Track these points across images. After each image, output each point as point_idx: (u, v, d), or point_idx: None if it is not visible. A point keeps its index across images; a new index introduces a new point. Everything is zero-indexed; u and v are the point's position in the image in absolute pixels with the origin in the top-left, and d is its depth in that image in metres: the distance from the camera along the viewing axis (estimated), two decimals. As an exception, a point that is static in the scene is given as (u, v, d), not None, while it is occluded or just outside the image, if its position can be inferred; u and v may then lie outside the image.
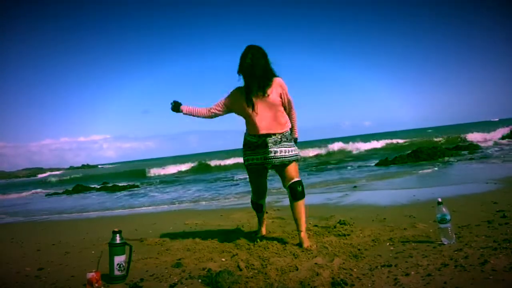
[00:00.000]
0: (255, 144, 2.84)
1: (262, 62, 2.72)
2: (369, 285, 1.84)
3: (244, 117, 2.87)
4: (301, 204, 2.80)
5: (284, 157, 2.81)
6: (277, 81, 2.77)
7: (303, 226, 2.78)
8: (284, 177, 2.86)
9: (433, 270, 1.88)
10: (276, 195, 6.56)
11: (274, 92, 2.75)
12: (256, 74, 2.70)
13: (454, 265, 1.90)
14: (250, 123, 2.83)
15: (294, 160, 2.85)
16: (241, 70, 2.75)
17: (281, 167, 2.85)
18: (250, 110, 2.76)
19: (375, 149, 18.34)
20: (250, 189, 3.21)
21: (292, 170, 2.84)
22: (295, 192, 2.78)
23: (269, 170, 3.04)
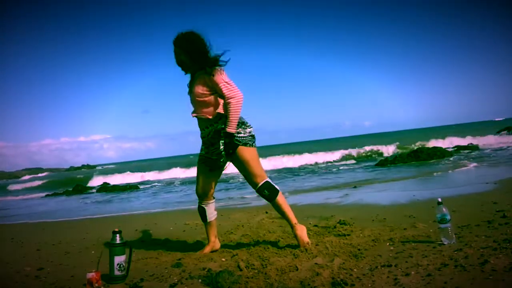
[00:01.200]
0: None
1: (181, 58, 2.60)
2: (369, 285, 1.84)
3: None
4: (277, 202, 2.68)
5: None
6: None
7: (292, 221, 2.67)
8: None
9: (433, 270, 1.88)
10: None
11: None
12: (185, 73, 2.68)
13: (454, 265, 1.90)
14: None
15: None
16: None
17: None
18: None
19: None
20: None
21: (256, 163, 2.66)
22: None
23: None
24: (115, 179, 16.52)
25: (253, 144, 2.67)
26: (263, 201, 6.15)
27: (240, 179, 10.26)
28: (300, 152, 18.47)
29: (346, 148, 17.66)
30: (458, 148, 13.25)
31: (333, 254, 2.43)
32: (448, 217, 2.33)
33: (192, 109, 2.72)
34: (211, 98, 2.59)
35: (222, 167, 2.72)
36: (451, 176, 7.08)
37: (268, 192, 2.66)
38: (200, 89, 2.57)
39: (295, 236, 2.68)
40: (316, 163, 15.29)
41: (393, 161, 11.07)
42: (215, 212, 2.94)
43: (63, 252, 3.30)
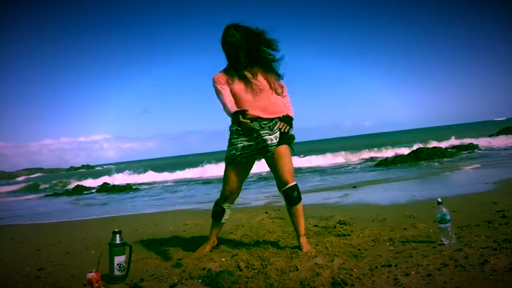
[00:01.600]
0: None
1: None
2: (369, 285, 1.84)
3: None
4: (298, 208, 2.65)
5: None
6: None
7: (301, 230, 2.66)
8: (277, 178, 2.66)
9: (433, 270, 1.88)
10: (276, 194, 6.56)
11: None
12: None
13: (454, 265, 1.90)
14: None
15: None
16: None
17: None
18: None
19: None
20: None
21: (288, 165, 2.63)
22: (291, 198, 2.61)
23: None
24: (115, 179, 16.17)
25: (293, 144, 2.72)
26: (263, 201, 6.12)
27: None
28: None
29: (355, 149, 16.91)
30: (458, 148, 13.24)
31: (333, 254, 2.43)
32: (448, 217, 2.33)
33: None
34: None
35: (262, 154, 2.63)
36: (451, 176, 7.08)
37: (297, 194, 2.61)
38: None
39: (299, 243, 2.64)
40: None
41: (393, 161, 11.07)
42: (229, 215, 2.86)
43: (63, 252, 3.30)
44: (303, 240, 2.64)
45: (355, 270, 2.07)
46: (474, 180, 6.11)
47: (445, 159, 10.40)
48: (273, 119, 2.62)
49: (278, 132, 2.61)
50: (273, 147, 2.58)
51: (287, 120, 2.64)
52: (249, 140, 2.59)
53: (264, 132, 2.57)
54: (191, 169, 16.93)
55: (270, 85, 2.64)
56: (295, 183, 2.63)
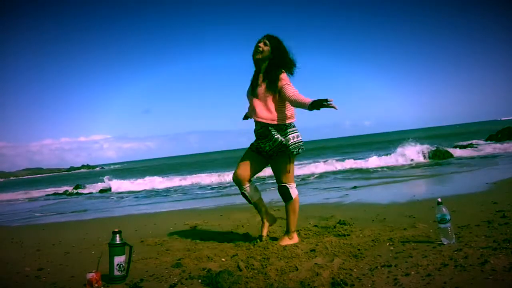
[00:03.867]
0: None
1: (264, 50, 2.86)
2: (369, 285, 1.84)
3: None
4: (288, 207, 2.89)
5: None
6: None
7: (290, 227, 2.89)
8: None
9: (433, 270, 1.88)
10: (276, 194, 6.55)
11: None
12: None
13: (454, 265, 1.90)
14: None
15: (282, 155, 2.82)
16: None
17: (271, 162, 2.92)
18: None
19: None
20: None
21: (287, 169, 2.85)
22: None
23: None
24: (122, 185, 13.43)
25: (296, 153, 2.82)
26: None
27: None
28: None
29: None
30: (458, 147, 13.22)
31: (333, 254, 2.43)
32: (448, 217, 2.33)
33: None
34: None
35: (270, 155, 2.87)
36: (451, 176, 7.08)
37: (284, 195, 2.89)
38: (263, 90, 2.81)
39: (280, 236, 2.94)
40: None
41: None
42: (258, 193, 3.07)
43: (63, 252, 3.29)
44: (286, 236, 2.88)
45: (355, 270, 2.07)
46: (474, 180, 6.11)
47: (445, 159, 10.41)
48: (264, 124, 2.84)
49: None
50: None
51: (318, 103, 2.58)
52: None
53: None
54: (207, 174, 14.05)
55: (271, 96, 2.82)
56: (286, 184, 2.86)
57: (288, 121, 2.82)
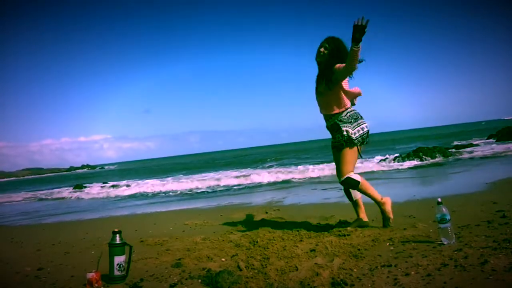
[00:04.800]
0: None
1: (326, 52, 3.08)
2: (369, 285, 1.84)
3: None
4: (360, 190, 3.09)
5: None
6: None
7: (377, 199, 3.07)
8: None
9: (433, 270, 1.88)
10: (276, 194, 6.55)
11: None
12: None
13: (454, 265, 1.90)
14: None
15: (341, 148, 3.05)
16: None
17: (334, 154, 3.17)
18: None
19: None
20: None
21: (341, 162, 3.08)
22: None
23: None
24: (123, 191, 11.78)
25: (358, 143, 3.05)
26: (263, 201, 6.13)
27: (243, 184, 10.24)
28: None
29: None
30: (459, 147, 13.22)
31: (333, 254, 2.43)
32: (448, 217, 2.33)
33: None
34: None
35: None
36: (451, 176, 7.08)
37: (353, 181, 3.07)
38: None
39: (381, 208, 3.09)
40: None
41: (393, 160, 11.07)
42: (358, 193, 3.24)
43: (63, 252, 3.30)
44: (385, 206, 3.06)
45: (355, 270, 2.07)
46: (474, 180, 6.10)
47: (445, 159, 10.40)
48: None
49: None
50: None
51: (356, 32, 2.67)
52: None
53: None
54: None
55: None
56: (346, 177, 3.06)
57: (349, 113, 3.06)
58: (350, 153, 3.05)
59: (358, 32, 2.60)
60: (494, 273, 1.73)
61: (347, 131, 3.01)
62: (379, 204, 3.07)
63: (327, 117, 3.16)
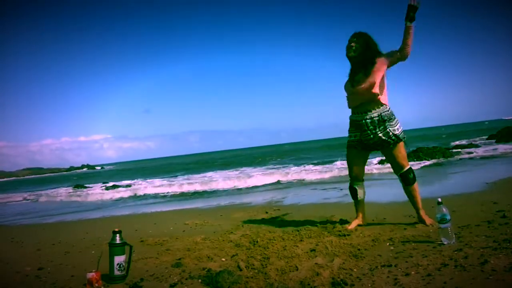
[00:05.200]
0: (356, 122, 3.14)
1: (358, 46, 3.05)
2: (369, 285, 1.84)
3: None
4: (413, 188, 3.10)
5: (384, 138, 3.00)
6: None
7: (418, 206, 3.08)
8: (392, 164, 3.16)
9: (433, 270, 1.88)
10: (276, 194, 6.55)
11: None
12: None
13: (454, 265, 1.90)
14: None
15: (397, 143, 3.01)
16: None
17: (384, 150, 3.09)
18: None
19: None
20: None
21: (399, 156, 3.05)
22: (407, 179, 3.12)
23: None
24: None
25: (404, 138, 3.07)
26: (263, 201, 6.14)
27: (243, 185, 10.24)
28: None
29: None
30: (459, 147, 13.22)
31: (333, 254, 2.43)
32: (448, 217, 2.33)
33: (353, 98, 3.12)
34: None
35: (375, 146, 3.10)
36: (451, 176, 7.07)
37: (412, 175, 3.12)
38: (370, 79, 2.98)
39: (420, 218, 3.06)
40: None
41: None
42: (364, 192, 3.33)
43: (63, 252, 3.30)
44: (423, 212, 3.05)
45: (355, 270, 2.07)
46: (474, 180, 6.10)
47: (446, 159, 10.40)
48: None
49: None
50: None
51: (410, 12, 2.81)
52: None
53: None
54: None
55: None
56: (408, 167, 3.10)
57: (390, 109, 3.04)
58: (404, 148, 3.09)
59: (412, 11, 2.77)
60: (494, 273, 1.73)
61: (400, 126, 3.03)
62: (417, 209, 3.10)
63: (366, 111, 3.02)
